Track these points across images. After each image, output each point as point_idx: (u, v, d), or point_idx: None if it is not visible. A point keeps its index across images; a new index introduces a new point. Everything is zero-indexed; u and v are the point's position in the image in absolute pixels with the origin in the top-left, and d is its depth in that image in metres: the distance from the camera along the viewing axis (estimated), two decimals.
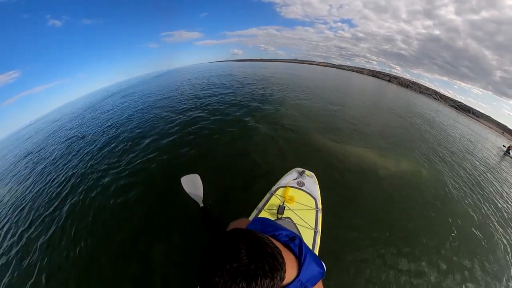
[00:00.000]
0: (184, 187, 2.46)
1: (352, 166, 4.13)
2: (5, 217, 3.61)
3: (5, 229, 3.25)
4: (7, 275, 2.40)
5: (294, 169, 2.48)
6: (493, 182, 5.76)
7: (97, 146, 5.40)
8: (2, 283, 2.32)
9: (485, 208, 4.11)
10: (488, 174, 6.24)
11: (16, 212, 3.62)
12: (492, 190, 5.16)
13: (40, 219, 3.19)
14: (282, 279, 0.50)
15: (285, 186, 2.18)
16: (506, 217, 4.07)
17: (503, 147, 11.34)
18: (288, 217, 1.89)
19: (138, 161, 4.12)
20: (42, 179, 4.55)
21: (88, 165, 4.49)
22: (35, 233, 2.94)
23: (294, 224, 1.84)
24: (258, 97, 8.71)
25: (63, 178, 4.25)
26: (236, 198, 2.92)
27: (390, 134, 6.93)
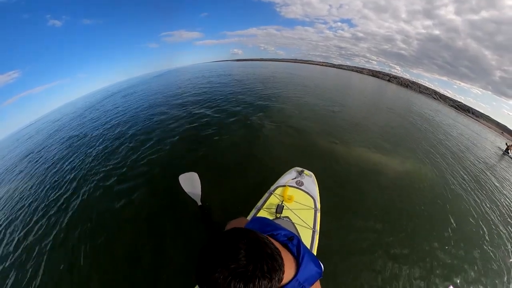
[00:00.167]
0: (182, 186, 2.46)
1: (352, 166, 4.14)
2: (5, 217, 3.61)
3: (5, 229, 3.26)
4: (9, 276, 2.41)
5: (293, 168, 2.48)
6: (493, 181, 5.77)
7: (98, 146, 5.41)
8: (5, 285, 2.33)
9: (485, 207, 4.12)
10: (488, 173, 6.25)
11: (17, 212, 3.62)
12: (491, 189, 5.17)
13: (41, 219, 3.19)
14: (280, 280, 0.50)
15: (284, 186, 2.18)
16: (506, 214, 4.09)
17: (505, 144, 11.25)
18: (287, 217, 1.89)
19: (138, 161, 4.12)
20: (43, 179, 4.56)
21: (89, 165, 4.49)
22: (37, 233, 2.94)
23: (293, 223, 1.85)
24: (258, 97, 8.72)
25: (63, 178, 4.25)
26: (235, 197, 2.93)
27: (390, 133, 6.94)
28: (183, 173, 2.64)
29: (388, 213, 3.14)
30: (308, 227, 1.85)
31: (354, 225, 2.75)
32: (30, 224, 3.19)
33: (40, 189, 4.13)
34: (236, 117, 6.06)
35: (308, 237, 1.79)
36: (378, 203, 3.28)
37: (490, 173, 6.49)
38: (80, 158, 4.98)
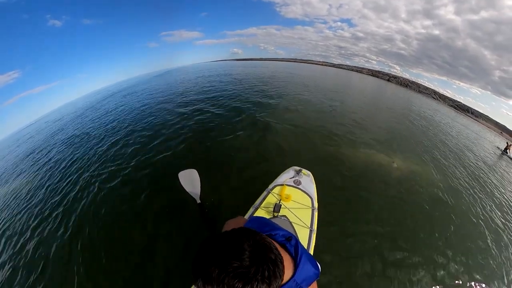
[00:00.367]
0: (182, 183, 2.44)
1: (351, 165, 4.14)
2: (6, 217, 3.62)
3: (6, 228, 3.26)
4: (15, 274, 2.41)
5: (291, 167, 2.48)
6: (492, 180, 5.80)
7: (99, 146, 5.40)
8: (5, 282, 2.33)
9: (485, 206, 4.14)
10: (487, 173, 6.27)
11: (18, 212, 3.63)
12: (491, 188, 5.20)
13: (43, 219, 3.19)
14: (278, 286, 0.50)
15: (282, 185, 2.18)
16: (505, 212, 4.11)
17: (506, 143, 11.27)
18: (284, 215, 1.89)
19: (138, 160, 4.12)
20: (45, 179, 4.55)
21: (90, 164, 4.49)
22: (38, 232, 2.95)
23: (290, 222, 1.85)
24: (258, 96, 8.71)
25: (65, 178, 4.25)
26: (233, 195, 2.93)
27: (390, 133, 6.94)
28: (183, 170, 2.62)
29: (388, 212, 3.14)
30: (306, 226, 1.85)
31: (352, 224, 2.74)
32: (32, 224, 3.19)
33: (41, 189, 4.13)
34: (236, 116, 6.06)
35: (306, 236, 1.79)
36: (377, 202, 3.28)
37: (489, 172, 6.52)
38: (82, 158, 4.97)
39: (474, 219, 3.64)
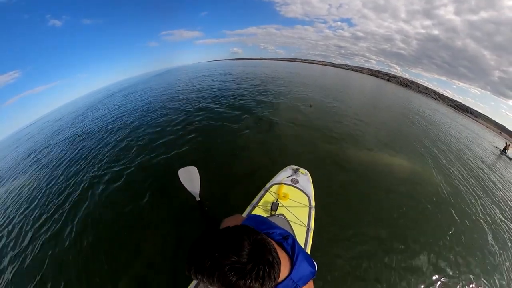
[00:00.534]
0: (181, 180, 2.44)
1: (351, 165, 4.14)
2: (7, 216, 3.61)
3: (7, 228, 3.25)
4: (10, 272, 2.41)
5: (288, 166, 2.48)
6: (491, 179, 5.82)
7: (100, 145, 5.39)
8: (6, 280, 2.33)
9: (484, 205, 4.15)
10: (486, 172, 6.29)
11: (19, 211, 3.62)
12: (490, 187, 5.21)
13: (43, 218, 3.18)
14: (272, 287, 0.50)
15: (279, 183, 2.18)
16: (504, 212, 4.12)
17: (505, 143, 11.31)
18: (282, 214, 1.89)
19: (141, 160, 4.11)
20: (46, 178, 4.54)
21: (91, 163, 4.49)
22: (39, 231, 2.94)
23: (287, 221, 1.85)
24: (258, 96, 8.71)
25: (66, 177, 4.25)
26: (232, 194, 2.94)
27: (389, 132, 6.94)
28: (182, 167, 2.62)
29: (388, 212, 3.13)
30: (303, 224, 1.85)
31: (351, 223, 2.73)
32: (31, 221, 3.19)
33: (43, 189, 4.11)
34: (236, 116, 6.06)
35: (303, 234, 1.79)
36: (377, 202, 3.28)
37: (489, 172, 6.53)
38: (83, 157, 4.96)
39: (474, 218, 3.66)
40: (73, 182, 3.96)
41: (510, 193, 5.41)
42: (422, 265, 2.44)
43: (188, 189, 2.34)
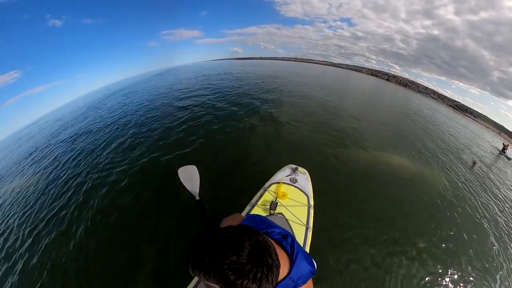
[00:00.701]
0: (181, 179, 2.44)
1: (351, 164, 4.15)
2: (9, 216, 3.61)
3: (10, 228, 3.25)
4: (13, 274, 2.41)
5: (287, 165, 2.49)
6: (490, 179, 5.85)
7: (101, 144, 5.39)
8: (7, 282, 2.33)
9: (483, 203, 4.18)
10: (485, 172, 6.32)
11: (21, 211, 3.62)
12: (488, 186, 5.23)
13: (46, 218, 3.18)
14: None
15: (278, 183, 2.19)
16: (503, 211, 4.14)
17: (502, 144, 11.38)
18: (281, 213, 1.90)
19: (141, 159, 4.12)
20: (47, 177, 4.55)
21: (92, 162, 4.49)
22: (42, 231, 2.94)
23: (286, 220, 1.86)
24: (258, 95, 8.71)
25: (67, 176, 4.25)
26: (231, 193, 2.94)
27: (389, 131, 6.95)
28: (182, 166, 2.63)
29: (388, 211, 3.14)
30: (302, 223, 1.86)
31: (349, 223, 2.74)
32: (33, 221, 3.19)
33: (44, 188, 4.12)
34: (236, 115, 6.07)
35: (302, 233, 1.80)
36: (377, 201, 3.28)
37: (489, 171, 6.57)
38: (85, 157, 4.96)
39: (474, 217, 3.68)
40: (75, 182, 3.96)
41: (509, 192, 5.45)
42: (421, 265, 2.45)
43: (188, 188, 2.34)
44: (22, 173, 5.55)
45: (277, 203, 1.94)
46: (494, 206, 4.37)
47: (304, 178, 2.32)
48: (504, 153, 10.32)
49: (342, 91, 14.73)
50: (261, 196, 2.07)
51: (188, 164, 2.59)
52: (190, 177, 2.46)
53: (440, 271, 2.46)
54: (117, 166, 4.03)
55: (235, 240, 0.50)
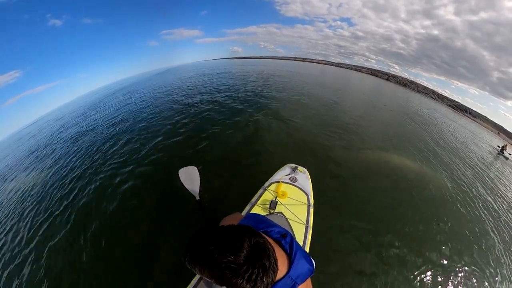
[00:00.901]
0: (182, 180, 2.46)
1: (350, 163, 4.15)
2: (11, 216, 3.61)
3: (13, 228, 3.24)
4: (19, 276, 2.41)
5: (287, 164, 2.49)
6: (489, 178, 5.88)
7: (103, 143, 5.39)
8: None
9: (481, 204, 4.19)
10: (483, 171, 6.35)
11: (22, 210, 3.62)
12: (486, 187, 5.26)
13: (49, 217, 3.18)
14: None
15: (277, 182, 2.19)
16: (500, 210, 4.16)
17: (497, 146, 11.54)
18: (280, 212, 1.90)
19: (142, 158, 4.12)
20: (48, 176, 4.55)
21: (93, 162, 4.48)
22: (45, 231, 2.94)
23: (286, 219, 1.86)
24: (258, 94, 8.70)
25: (69, 175, 4.25)
26: (230, 192, 2.95)
27: (388, 131, 6.96)
28: (183, 167, 2.64)
29: (388, 210, 3.15)
30: (301, 222, 1.86)
31: (349, 222, 2.74)
32: (36, 221, 3.19)
33: (46, 187, 4.11)
34: (237, 114, 6.07)
35: (301, 232, 1.80)
36: (378, 201, 3.29)
37: (486, 171, 6.59)
38: (86, 156, 4.96)
39: (474, 216, 3.71)
40: (76, 180, 3.97)
41: (508, 190, 5.49)
42: (421, 264, 2.46)
43: (188, 188, 2.36)
44: (24, 172, 5.55)
45: (277, 202, 1.94)
46: (493, 203, 4.40)
47: (304, 177, 2.32)
48: (503, 153, 10.38)
49: (342, 91, 14.73)
50: (260, 195, 2.07)
51: (189, 165, 2.61)
52: (190, 177, 2.49)
53: (441, 270, 2.47)
54: (119, 165, 4.04)
55: (234, 239, 0.50)
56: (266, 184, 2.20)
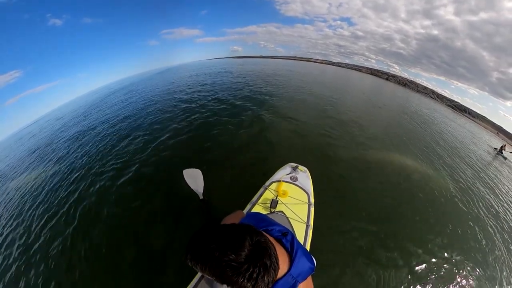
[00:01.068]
0: (186, 180, 2.50)
1: (350, 162, 4.17)
2: (9, 215, 3.62)
3: (15, 228, 3.25)
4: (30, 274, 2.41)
5: (287, 164, 2.50)
6: (487, 178, 5.92)
7: (104, 143, 5.38)
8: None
9: (480, 204, 4.22)
10: (482, 171, 6.38)
11: (24, 208, 3.63)
12: (485, 186, 5.29)
13: (52, 218, 3.18)
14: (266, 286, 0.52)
15: (278, 181, 2.20)
16: (499, 210, 4.20)
17: (493, 148, 11.64)
18: (281, 211, 1.92)
19: (143, 158, 4.12)
20: (50, 176, 4.55)
21: (95, 161, 4.48)
22: (46, 232, 2.95)
23: (287, 218, 1.87)
24: (258, 94, 8.70)
25: (70, 175, 4.26)
26: (231, 192, 2.96)
27: (388, 130, 6.97)
28: (187, 168, 2.67)
29: (388, 210, 3.16)
30: (302, 221, 1.88)
31: (348, 222, 2.75)
32: (38, 220, 3.20)
33: (47, 186, 4.12)
34: (238, 113, 6.07)
35: (302, 231, 1.82)
36: (377, 200, 3.30)
37: (484, 171, 6.61)
38: (87, 155, 4.95)
39: (473, 215, 3.75)
40: (78, 180, 3.97)
41: (508, 190, 5.54)
42: (421, 264, 2.47)
43: (193, 188, 2.38)
44: (25, 171, 5.54)
45: (278, 201, 1.96)
46: (493, 202, 4.43)
47: (304, 176, 2.34)
48: (502, 153, 10.43)
49: (342, 90, 14.73)
50: (261, 194, 2.09)
51: (193, 166, 2.65)
52: (194, 178, 2.55)
53: (441, 270, 2.48)
54: (120, 164, 4.04)
55: (236, 238, 0.50)
56: (267, 183, 2.22)
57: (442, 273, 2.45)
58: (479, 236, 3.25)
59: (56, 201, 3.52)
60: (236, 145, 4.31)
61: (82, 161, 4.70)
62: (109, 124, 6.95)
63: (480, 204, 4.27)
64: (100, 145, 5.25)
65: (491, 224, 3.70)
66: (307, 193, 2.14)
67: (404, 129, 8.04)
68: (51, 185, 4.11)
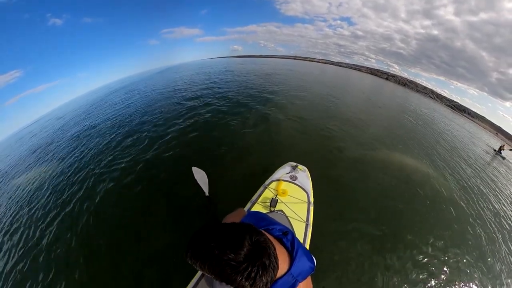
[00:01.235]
0: (195, 175, 2.54)
1: (350, 162, 4.18)
2: (10, 215, 3.62)
3: (16, 229, 3.25)
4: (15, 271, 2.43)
5: (287, 163, 2.51)
6: (487, 178, 5.94)
7: (106, 142, 5.40)
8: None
9: (480, 203, 4.24)
10: (482, 171, 6.40)
11: (25, 208, 3.64)
12: (484, 186, 5.30)
13: (54, 218, 3.18)
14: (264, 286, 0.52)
15: (278, 180, 2.21)
16: (498, 210, 4.21)
17: (492, 149, 11.67)
18: (281, 210, 1.92)
19: (141, 157, 4.14)
20: (51, 175, 4.55)
21: (96, 159, 4.50)
22: (48, 233, 2.94)
23: (286, 216, 1.88)
24: (258, 93, 8.71)
25: (71, 174, 4.26)
26: (231, 191, 2.97)
27: (388, 130, 6.97)
28: (192, 166, 2.69)
29: (388, 210, 3.17)
30: (301, 220, 1.88)
31: (348, 223, 2.75)
32: (40, 219, 3.21)
33: (48, 186, 4.12)
34: (239, 113, 6.08)
35: (301, 230, 1.83)
36: (377, 200, 3.31)
37: (484, 170, 6.63)
38: (88, 155, 4.96)
39: (472, 213, 3.76)
40: (80, 179, 3.98)
41: (507, 189, 5.57)
42: (421, 264, 2.48)
43: (200, 184, 2.41)
44: (27, 170, 5.55)
45: (277, 200, 1.96)
46: (493, 201, 4.45)
47: (304, 175, 2.34)
48: (500, 153, 10.48)
49: (342, 90, 14.73)
50: (261, 193, 2.10)
51: (196, 166, 2.67)
52: (201, 176, 2.57)
53: (441, 269, 2.49)
54: (120, 163, 4.06)
55: (235, 237, 0.51)
56: (267, 182, 2.22)
57: (442, 273, 2.46)
58: (479, 236, 3.26)
59: (58, 201, 3.52)
60: (236, 145, 4.31)
61: (84, 160, 4.70)
62: (110, 123, 6.96)
63: (480, 203, 4.28)
64: (101, 145, 5.25)
65: (491, 223, 3.71)
66: (306, 192, 2.14)
67: (404, 129, 8.04)
68: (53, 184, 4.11)
